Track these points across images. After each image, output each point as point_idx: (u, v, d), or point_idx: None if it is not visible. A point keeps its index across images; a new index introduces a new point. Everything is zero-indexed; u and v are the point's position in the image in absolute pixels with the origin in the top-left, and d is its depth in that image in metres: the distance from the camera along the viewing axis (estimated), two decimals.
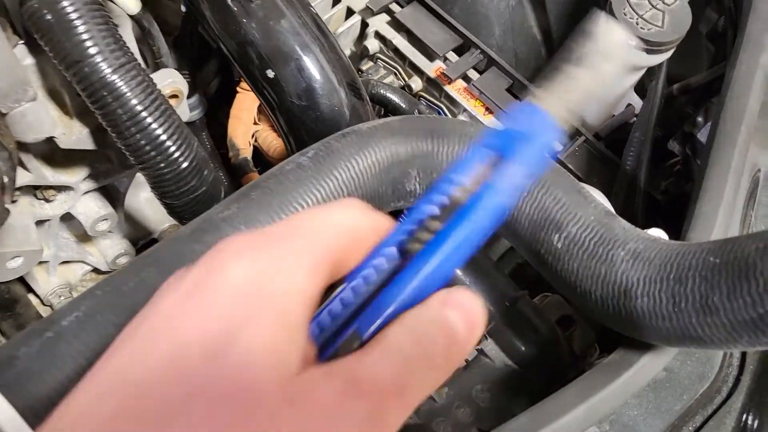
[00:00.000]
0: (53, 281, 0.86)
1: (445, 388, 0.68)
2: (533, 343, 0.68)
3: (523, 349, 0.68)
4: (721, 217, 0.60)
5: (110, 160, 0.75)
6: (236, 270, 0.29)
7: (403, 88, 0.93)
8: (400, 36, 0.93)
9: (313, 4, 0.77)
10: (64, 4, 0.57)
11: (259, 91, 0.76)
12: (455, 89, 0.90)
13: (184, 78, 0.90)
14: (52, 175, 0.73)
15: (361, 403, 0.27)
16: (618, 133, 0.89)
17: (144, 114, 0.62)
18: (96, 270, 0.91)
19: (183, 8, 0.90)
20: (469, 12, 0.99)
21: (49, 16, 0.57)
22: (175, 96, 0.71)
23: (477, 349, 0.70)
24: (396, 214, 0.37)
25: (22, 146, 0.68)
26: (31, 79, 0.65)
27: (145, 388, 0.26)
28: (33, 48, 0.64)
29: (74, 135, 0.67)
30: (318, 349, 0.31)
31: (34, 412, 0.41)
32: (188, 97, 0.92)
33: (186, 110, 0.74)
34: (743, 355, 0.63)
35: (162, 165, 0.64)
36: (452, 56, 0.91)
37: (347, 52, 0.99)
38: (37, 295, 0.87)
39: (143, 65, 0.79)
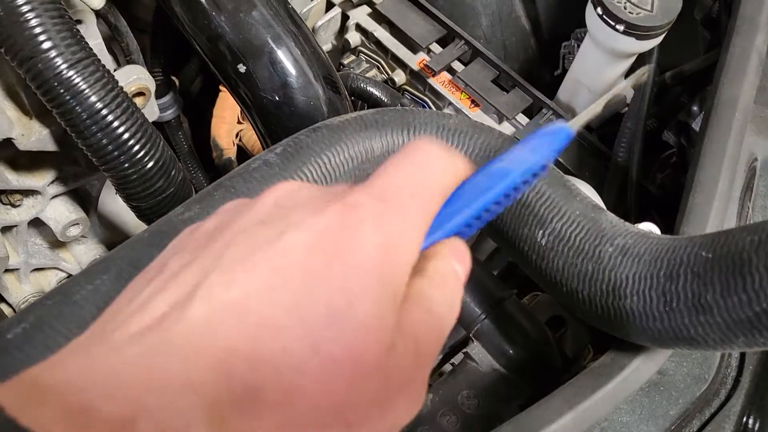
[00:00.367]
0: (25, 289, 0.83)
1: (430, 395, 0.64)
2: (522, 345, 0.65)
3: (511, 352, 0.65)
4: (715, 209, 0.57)
5: (77, 162, 0.72)
6: (369, 238, 0.29)
7: (386, 81, 0.90)
8: (381, 28, 0.90)
9: None
10: None
11: (232, 88, 0.73)
12: (440, 82, 0.86)
13: (157, 76, 0.88)
14: (15, 179, 0.70)
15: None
16: (609, 124, 0.85)
17: (105, 112, 0.59)
18: (71, 277, 0.88)
19: None
20: (454, 2, 0.96)
21: None
22: (141, 94, 0.68)
23: (463, 353, 0.67)
24: None
25: None
26: None
27: (267, 330, 0.27)
28: None
29: (34, 136, 0.64)
30: None
31: None
32: (162, 95, 0.90)
33: (154, 109, 0.71)
34: (742, 354, 0.60)
35: (126, 165, 0.62)
36: (436, 48, 0.88)
37: (328, 46, 0.96)
38: (9, 304, 0.84)
39: (113, 63, 0.77)
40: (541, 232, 0.51)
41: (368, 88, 0.84)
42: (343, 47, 0.93)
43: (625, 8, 0.72)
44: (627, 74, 0.85)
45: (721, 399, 0.57)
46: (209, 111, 1.14)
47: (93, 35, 0.69)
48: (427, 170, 0.33)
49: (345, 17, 0.93)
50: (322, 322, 0.27)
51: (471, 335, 0.67)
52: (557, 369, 0.67)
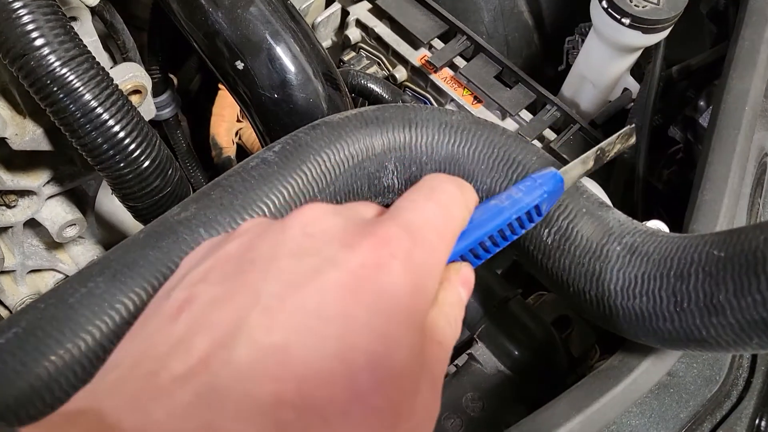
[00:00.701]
0: (22, 291, 0.82)
1: (439, 401, 0.63)
2: (527, 346, 0.63)
3: (516, 353, 0.64)
4: (725, 206, 0.56)
5: (73, 162, 0.71)
6: (401, 278, 0.30)
7: (387, 78, 0.88)
8: (382, 24, 0.88)
9: None
10: None
11: (231, 86, 0.71)
12: (441, 78, 0.85)
13: (154, 74, 0.86)
14: (10, 179, 0.69)
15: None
16: (615, 119, 0.84)
17: (99, 110, 0.58)
18: (65, 279, 0.86)
19: None
20: None
21: None
22: (137, 91, 0.67)
23: (467, 354, 0.66)
24: None
25: None
26: None
27: (312, 378, 0.27)
28: None
29: (27, 135, 0.63)
30: None
31: None
32: (160, 93, 0.88)
33: (151, 107, 0.70)
34: (754, 355, 0.58)
35: (122, 165, 0.60)
36: (438, 44, 0.87)
37: (328, 43, 0.95)
38: (5, 306, 0.83)
39: (109, 61, 0.75)
40: (546, 230, 0.50)
41: (369, 85, 0.82)
42: (343, 43, 0.92)
43: (630, 1, 0.71)
44: (632, 69, 0.83)
45: (733, 401, 0.56)
46: (208, 109, 1.13)
47: (88, 32, 0.68)
48: (448, 210, 0.35)
49: (345, 13, 0.92)
50: (363, 370, 0.27)
51: (475, 336, 0.65)
52: (563, 370, 0.65)
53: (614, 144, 0.49)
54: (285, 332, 0.27)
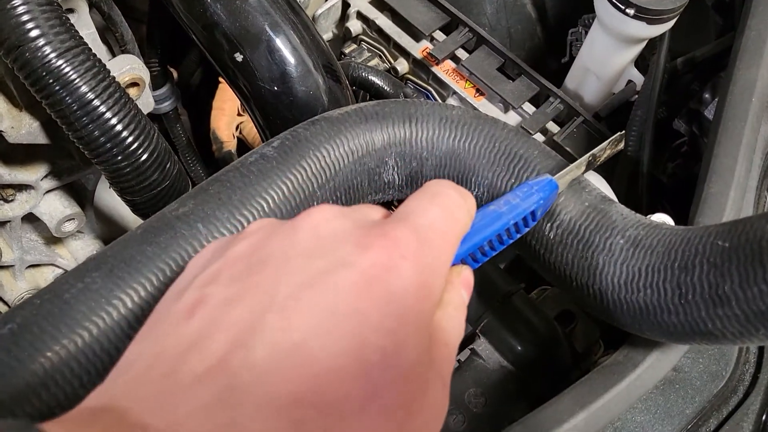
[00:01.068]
0: (21, 286, 0.81)
1: (447, 398, 0.62)
2: (530, 341, 0.63)
3: (519, 348, 0.63)
4: (732, 199, 0.55)
5: (71, 156, 0.70)
6: (410, 278, 0.31)
7: (388, 71, 0.87)
8: (383, 16, 0.87)
9: None
10: None
11: (230, 78, 0.70)
12: (443, 70, 0.84)
13: (153, 67, 0.85)
14: (8, 173, 0.68)
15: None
16: (619, 112, 0.83)
17: (96, 102, 0.57)
18: (61, 275, 0.86)
19: None
20: None
21: None
22: (135, 84, 0.66)
23: (469, 349, 0.65)
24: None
25: None
26: None
27: (329, 377, 0.27)
28: None
29: (24, 129, 0.62)
30: None
31: None
32: (159, 87, 0.87)
33: (149, 100, 0.69)
34: (761, 350, 0.57)
35: (119, 158, 0.59)
36: (439, 36, 0.86)
37: (329, 35, 0.94)
38: (4, 302, 0.82)
39: (107, 53, 0.74)
40: (549, 225, 0.49)
41: (370, 78, 0.81)
42: (344, 36, 0.91)
43: None
44: (637, 61, 0.82)
45: (739, 397, 0.55)
46: (209, 103, 1.12)
47: (85, 24, 0.67)
48: (451, 214, 0.36)
49: (346, 5, 0.91)
50: (377, 368, 0.28)
51: (477, 331, 0.64)
52: (567, 365, 0.64)
53: (605, 150, 0.50)
54: (301, 332, 0.28)
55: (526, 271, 0.75)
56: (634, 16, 0.71)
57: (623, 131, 0.52)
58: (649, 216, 0.54)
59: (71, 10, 0.65)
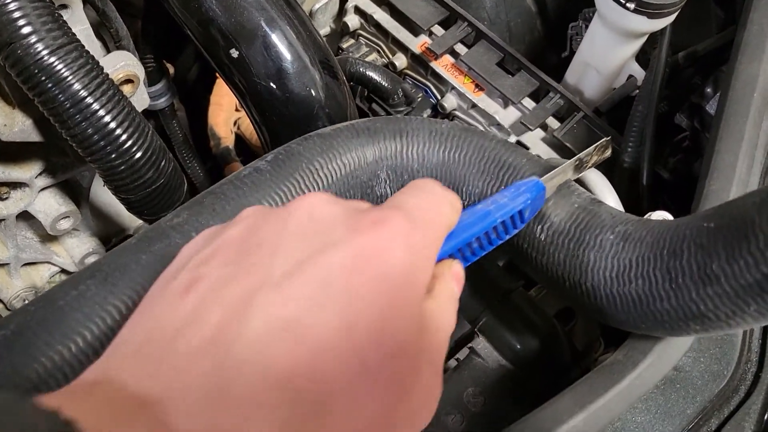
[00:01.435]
0: (17, 284, 0.81)
1: (440, 387, 0.62)
2: (530, 339, 0.62)
3: (518, 347, 0.63)
4: (733, 195, 0.55)
5: (65, 153, 0.69)
6: (400, 257, 0.32)
7: (386, 66, 0.87)
8: (381, 10, 0.86)
9: None
10: None
11: (226, 75, 0.70)
12: (442, 65, 0.83)
13: (149, 62, 0.85)
14: (1, 171, 0.68)
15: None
16: (620, 107, 0.82)
17: (89, 100, 0.56)
18: (64, 271, 0.85)
19: None
20: None
21: None
22: (129, 81, 0.65)
23: (468, 347, 0.65)
24: None
25: None
26: None
27: (324, 349, 0.28)
28: None
29: (17, 126, 0.61)
30: None
31: None
32: (155, 83, 0.86)
33: (144, 96, 0.68)
34: (762, 349, 0.57)
35: (113, 156, 0.59)
36: (438, 30, 0.85)
37: (326, 30, 0.93)
38: (0, 300, 0.82)
39: (102, 49, 0.74)
40: (540, 227, 0.50)
41: (368, 73, 0.81)
42: (341, 31, 0.90)
43: None
44: (638, 55, 0.81)
45: (741, 396, 0.54)
46: (207, 98, 1.11)
47: (79, 20, 0.66)
48: (437, 205, 0.37)
49: (343, 0, 0.90)
50: (368, 342, 0.29)
51: (476, 330, 0.64)
52: (567, 363, 0.64)
53: (591, 155, 0.51)
54: (295, 308, 0.28)
55: None
56: (635, 11, 0.70)
57: (609, 137, 0.52)
58: (649, 213, 0.53)
59: (65, 6, 0.64)
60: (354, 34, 0.89)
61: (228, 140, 1.08)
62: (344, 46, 0.89)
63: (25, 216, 0.75)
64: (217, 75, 1.09)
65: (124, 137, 0.58)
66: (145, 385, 0.26)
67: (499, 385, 0.61)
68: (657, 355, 0.51)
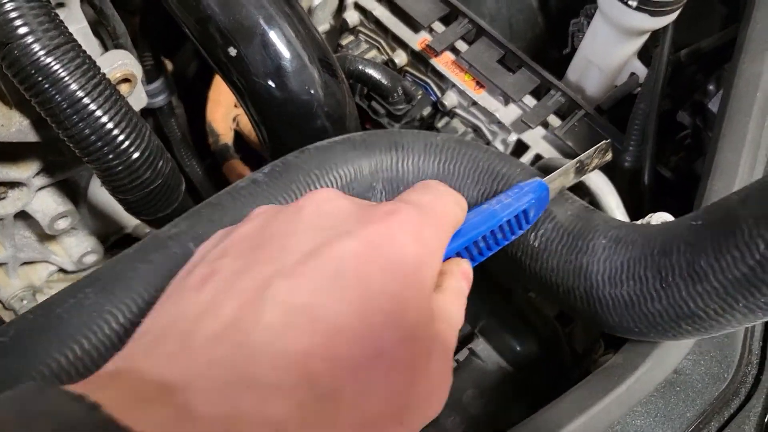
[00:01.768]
0: (15, 284, 0.80)
1: (451, 377, 0.61)
2: (530, 341, 0.62)
3: (518, 348, 0.62)
4: None
5: (63, 153, 0.69)
6: (410, 247, 0.33)
7: (386, 63, 0.86)
8: (381, 6, 0.86)
9: None
10: None
11: (224, 73, 0.69)
12: (442, 63, 0.83)
13: (147, 60, 0.84)
14: None
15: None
16: (621, 105, 0.81)
17: (86, 100, 0.56)
18: (62, 270, 0.85)
19: None
20: None
21: None
22: (127, 80, 0.65)
23: (468, 349, 0.64)
24: None
25: None
26: None
27: (339, 335, 0.29)
28: None
29: (14, 127, 0.61)
30: None
31: None
32: (153, 80, 0.86)
33: (142, 95, 0.68)
34: (763, 351, 0.56)
35: (110, 157, 0.58)
36: (438, 27, 0.84)
37: (325, 26, 0.92)
38: None
39: (100, 47, 0.73)
40: (533, 234, 0.50)
41: (367, 71, 0.80)
42: (341, 27, 0.89)
43: None
44: (640, 52, 0.80)
45: (741, 399, 0.54)
46: (206, 95, 1.10)
47: (76, 19, 0.66)
48: (444, 202, 0.38)
49: None
50: (382, 328, 0.30)
51: (476, 331, 0.64)
52: (567, 365, 0.64)
53: (592, 157, 0.51)
54: (308, 295, 0.29)
55: None
56: (637, 8, 0.69)
57: (609, 139, 0.52)
58: (650, 215, 0.53)
59: (61, 4, 0.64)
60: (353, 31, 0.89)
61: (227, 137, 1.07)
62: (344, 42, 0.88)
63: (23, 215, 0.75)
64: None
65: (121, 137, 0.58)
66: (166, 371, 0.27)
67: (499, 387, 0.61)
68: (657, 358, 0.50)
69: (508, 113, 0.80)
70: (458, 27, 0.82)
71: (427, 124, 0.87)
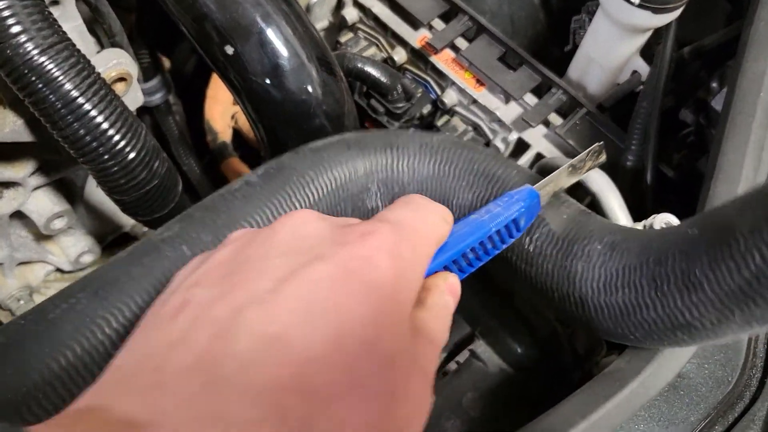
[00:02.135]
0: (11, 284, 0.80)
1: (433, 397, 0.61)
2: (531, 343, 0.62)
3: (519, 350, 0.62)
4: None
5: (58, 152, 0.68)
6: (387, 270, 0.32)
7: (385, 61, 0.85)
8: (380, 3, 0.85)
9: None
10: None
11: (221, 72, 0.68)
12: (442, 60, 0.82)
13: (143, 58, 0.83)
14: None
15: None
16: (624, 103, 0.80)
17: (81, 100, 0.55)
18: (60, 270, 0.84)
19: None
20: None
21: None
22: (122, 79, 0.64)
23: (468, 350, 0.64)
24: None
25: None
26: None
27: (312, 365, 0.28)
28: None
29: (8, 127, 0.60)
30: None
31: None
32: (149, 78, 0.85)
33: (138, 95, 0.67)
34: None
35: (106, 157, 0.58)
36: (438, 24, 0.83)
37: (324, 23, 0.91)
38: None
39: (96, 45, 0.72)
40: (528, 238, 0.49)
41: (366, 68, 0.79)
42: (339, 24, 0.88)
43: None
44: (643, 49, 0.80)
45: (746, 402, 0.53)
46: (204, 92, 1.09)
47: (71, 17, 0.65)
48: (425, 217, 0.38)
49: None
50: (358, 355, 0.29)
51: (476, 332, 0.63)
52: (568, 367, 0.63)
53: (585, 161, 0.50)
54: (281, 323, 0.29)
55: None
56: (640, 5, 0.68)
57: (602, 142, 0.51)
58: (653, 216, 0.52)
59: (56, 2, 0.63)
60: (352, 28, 0.88)
61: (225, 135, 1.07)
62: (342, 39, 0.87)
63: (19, 215, 0.74)
64: None
65: (116, 138, 0.57)
66: (134, 409, 0.26)
67: (499, 390, 0.61)
68: (660, 362, 0.50)
69: (509, 111, 0.79)
70: (458, 24, 0.82)
71: (427, 123, 0.86)
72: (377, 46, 0.86)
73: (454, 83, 0.81)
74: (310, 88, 0.67)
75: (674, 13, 0.71)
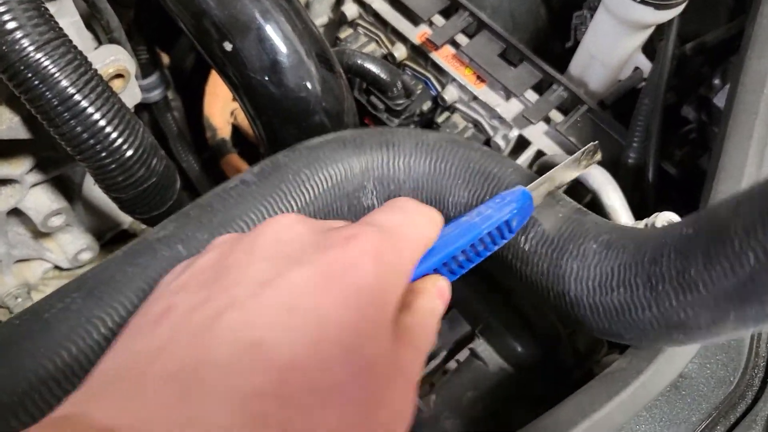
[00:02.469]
0: (8, 281, 0.79)
1: (432, 396, 0.61)
2: (531, 342, 0.61)
3: (519, 349, 0.61)
4: None
5: (56, 149, 0.68)
6: (370, 274, 0.32)
7: (385, 57, 0.85)
8: None
9: None
10: None
11: (219, 68, 0.68)
12: (443, 56, 0.81)
13: (141, 54, 0.83)
14: None
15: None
16: (625, 100, 0.80)
17: (78, 97, 0.54)
18: (58, 267, 0.84)
19: None
20: None
21: None
22: (120, 76, 0.63)
23: (468, 349, 0.63)
24: None
25: None
26: None
27: (292, 371, 0.28)
28: None
29: (4, 124, 0.60)
30: None
31: None
32: (148, 75, 0.85)
33: (136, 91, 0.67)
34: None
35: (103, 155, 0.57)
36: (438, 20, 0.83)
37: (324, 19, 0.91)
38: None
39: (94, 41, 0.72)
40: (523, 237, 0.49)
41: (366, 65, 0.78)
42: (339, 20, 0.88)
43: None
44: (645, 46, 0.79)
45: (748, 403, 0.53)
46: (203, 88, 1.09)
47: (69, 12, 0.65)
48: (413, 220, 0.37)
49: None
50: (339, 361, 0.29)
51: (476, 331, 0.63)
52: (569, 366, 0.63)
53: (579, 161, 0.50)
54: (260, 329, 0.29)
55: None
56: (642, 2, 0.68)
57: (596, 141, 0.51)
58: (656, 214, 0.52)
59: None
60: (352, 24, 0.87)
61: (224, 131, 1.06)
62: (342, 35, 0.87)
63: (16, 212, 0.74)
64: None
65: (114, 135, 0.57)
66: (115, 415, 0.26)
67: (499, 389, 0.60)
68: (662, 362, 0.49)
69: (510, 108, 0.79)
70: (459, 20, 0.81)
71: (427, 119, 0.86)
72: (377, 42, 0.85)
73: (454, 80, 0.81)
74: (309, 85, 0.66)
75: (676, 9, 0.70)
